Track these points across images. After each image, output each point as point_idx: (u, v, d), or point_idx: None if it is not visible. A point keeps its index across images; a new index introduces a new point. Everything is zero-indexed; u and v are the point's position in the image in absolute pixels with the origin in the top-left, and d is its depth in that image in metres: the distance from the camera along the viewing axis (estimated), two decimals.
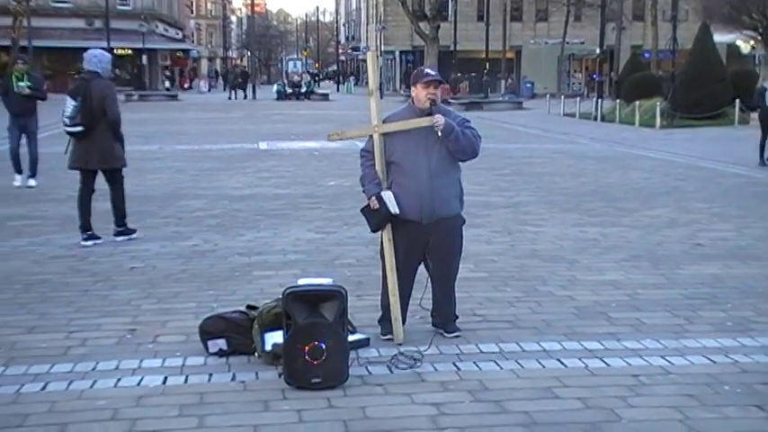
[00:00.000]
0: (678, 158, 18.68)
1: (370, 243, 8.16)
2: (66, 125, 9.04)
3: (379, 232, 5.86)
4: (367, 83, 6.13)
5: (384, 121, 5.84)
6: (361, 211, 5.91)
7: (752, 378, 5.18)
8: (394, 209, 5.66)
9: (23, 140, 14.02)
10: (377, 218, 5.76)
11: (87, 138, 8.96)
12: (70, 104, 8.98)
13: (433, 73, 5.85)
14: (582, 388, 4.99)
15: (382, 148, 5.79)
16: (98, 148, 9.02)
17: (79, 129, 8.93)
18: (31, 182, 13.87)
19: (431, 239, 5.78)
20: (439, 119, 5.63)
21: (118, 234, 9.36)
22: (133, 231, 9.48)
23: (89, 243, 9.08)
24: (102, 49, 10.54)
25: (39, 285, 7.37)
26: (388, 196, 5.69)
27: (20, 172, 13.87)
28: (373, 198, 5.72)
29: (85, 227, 9.17)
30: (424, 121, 5.68)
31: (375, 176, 5.81)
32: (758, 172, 16.28)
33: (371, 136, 5.88)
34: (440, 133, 5.64)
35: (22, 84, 13.60)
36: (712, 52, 28.92)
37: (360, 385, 5.02)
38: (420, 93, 5.75)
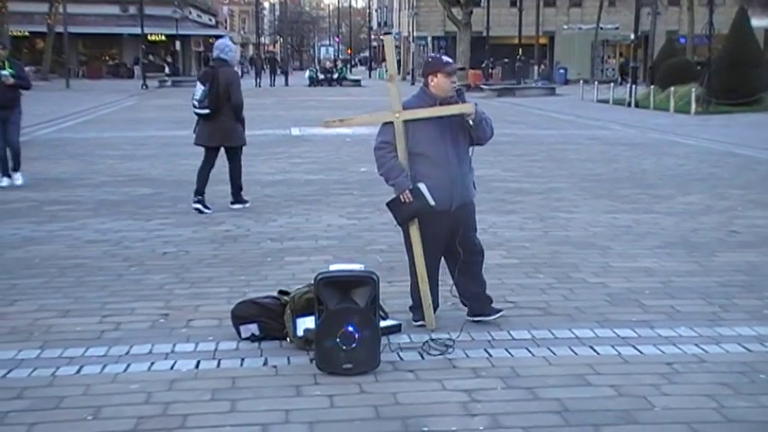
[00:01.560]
0: (713, 145, 18.45)
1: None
2: (195, 107, 10.00)
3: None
4: (398, 69, 6.07)
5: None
6: (388, 204, 5.77)
7: None
8: (432, 201, 5.55)
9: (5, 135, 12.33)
10: (407, 211, 5.63)
11: (212, 119, 9.93)
12: (199, 89, 9.93)
13: (452, 61, 5.77)
14: (615, 375, 4.95)
15: (405, 138, 5.64)
16: (221, 128, 10.02)
17: (206, 111, 9.91)
18: (17, 177, 12.40)
19: (457, 226, 5.74)
20: (471, 107, 5.58)
21: (234, 203, 10.36)
22: (246, 201, 10.43)
23: (197, 206, 10.06)
24: (224, 37, 11.58)
25: (73, 269, 7.45)
26: (425, 188, 5.54)
27: (7, 174, 12.38)
28: (406, 192, 5.58)
29: (199, 191, 10.13)
30: (466, 107, 5.57)
31: (402, 168, 5.62)
32: None
33: (386, 126, 5.68)
34: (471, 122, 5.59)
35: (4, 72, 11.94)
36: (750, 37, 28.48)
37: (391, 371, 5.02)
38: (443, 81, 5.62)
